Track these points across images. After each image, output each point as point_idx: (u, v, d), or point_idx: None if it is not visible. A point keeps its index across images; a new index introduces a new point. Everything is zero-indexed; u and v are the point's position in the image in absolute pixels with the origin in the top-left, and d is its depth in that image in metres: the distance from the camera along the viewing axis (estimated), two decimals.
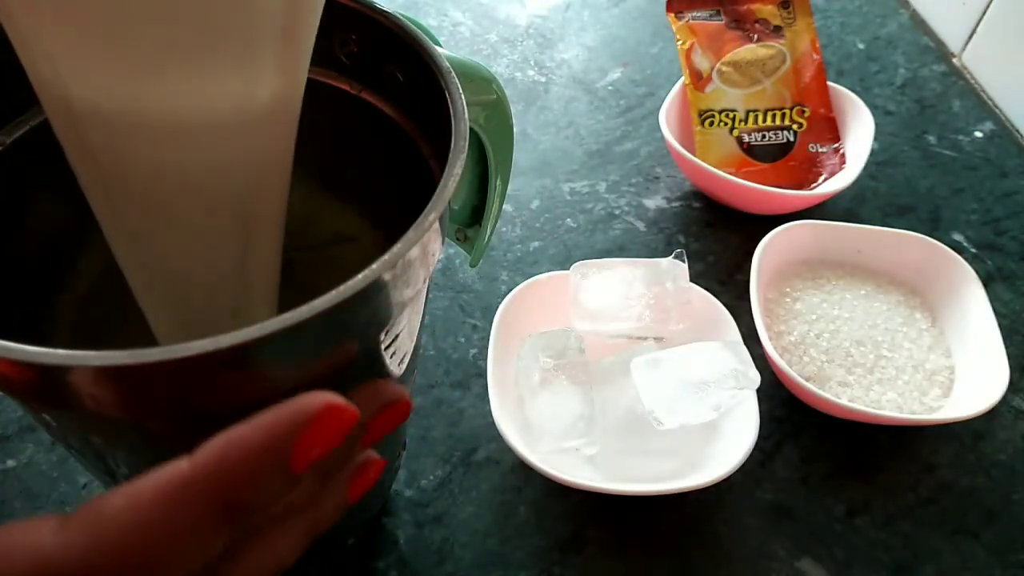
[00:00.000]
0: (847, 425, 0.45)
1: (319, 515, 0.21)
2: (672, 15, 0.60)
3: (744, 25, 0.60)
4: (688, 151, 0.55)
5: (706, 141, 0.58)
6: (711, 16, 0.60)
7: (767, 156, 0.58)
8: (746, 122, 0.58)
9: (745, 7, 0.60)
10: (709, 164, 0.54)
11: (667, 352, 0.42)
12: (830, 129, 0.59)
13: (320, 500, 0.21)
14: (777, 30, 0.59)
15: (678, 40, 0.59)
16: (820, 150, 0.58)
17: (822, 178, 0.57)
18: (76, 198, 0.29)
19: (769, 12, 0.60)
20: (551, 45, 0.70)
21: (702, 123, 0.58)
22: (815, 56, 0.59)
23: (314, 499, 0.21)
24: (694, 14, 0.60)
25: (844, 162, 0.57)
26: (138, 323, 0.32)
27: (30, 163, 0.32)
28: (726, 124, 0.58)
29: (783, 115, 0.58)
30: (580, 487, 0.39)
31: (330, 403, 0.19)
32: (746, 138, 0.58)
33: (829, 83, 0.59)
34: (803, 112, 0.58)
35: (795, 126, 0.58)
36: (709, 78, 0.58)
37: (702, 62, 0.59)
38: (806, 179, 0.58)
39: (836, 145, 0.58)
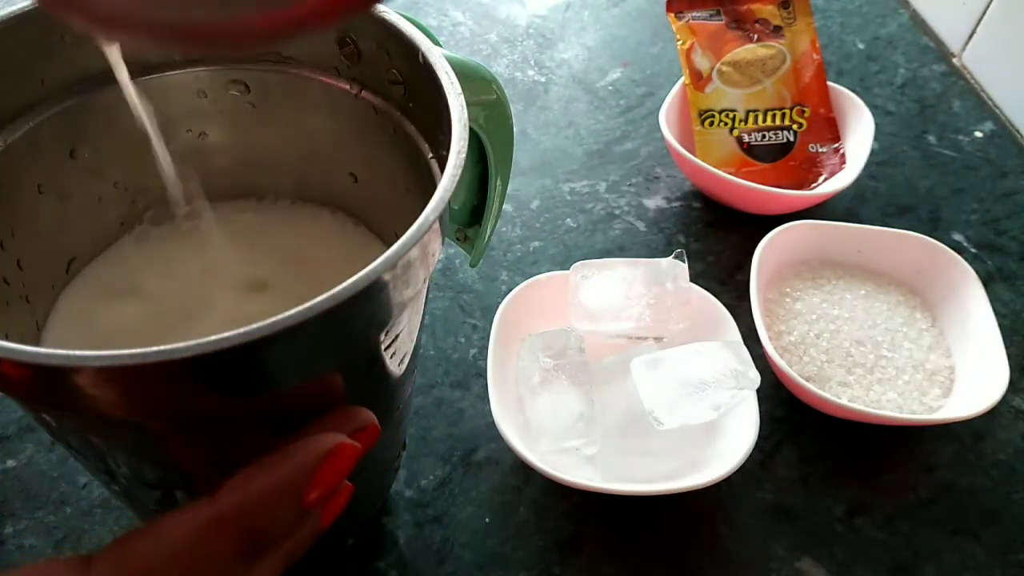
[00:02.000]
0: (847, 425, 0.45)
1: (297, 541, 0.22)
2: (672, 15, 0.60)
3: (744, 25, 0.60)
4: (688, 151, 0.55)
5: (706, 141, 0.58)
6: (711, 16, 0.60)
7: (767, 156, 0.58)
8: (746, 122, 0.58)
9: (745, 7, 0.60)
10: (709, 164, 0.54)
11: (667, 352, 0.42)
12: (830, 129, 0.59)
13: (298, 527, 0.22)
14: (777, 30, 0.59)
15: (678, 40, 0.59)
16: (820, 150, 0.58)
17: (822, 178, 0.57)
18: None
19: (769, 12, 0.60)
20: (551, 45, 0.70)
21: (702, 123, 0.58)
22: (815, 56, 0.59)
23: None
24: (694, 14, 0.60)
25: (844, 162, 0.57)
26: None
27: (27, 164, 0.32)
28: (726, 124, 0.58)
29: (783, 115, 0.58)
30: (580, 487, 0.39)
31: (339, 443, 0.21)
32: (746, 138, 0.58)
33: (829, 83, 0.59)
34: (803, 112, 0.58)
35: (795, 126, 0.58)
36: (709, 78, 0.58)
37: (702, 62, 0.59)
38: (806, 179, 0.58)
39: (836, 145, 0.58)
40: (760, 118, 0.58)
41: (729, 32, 0.59)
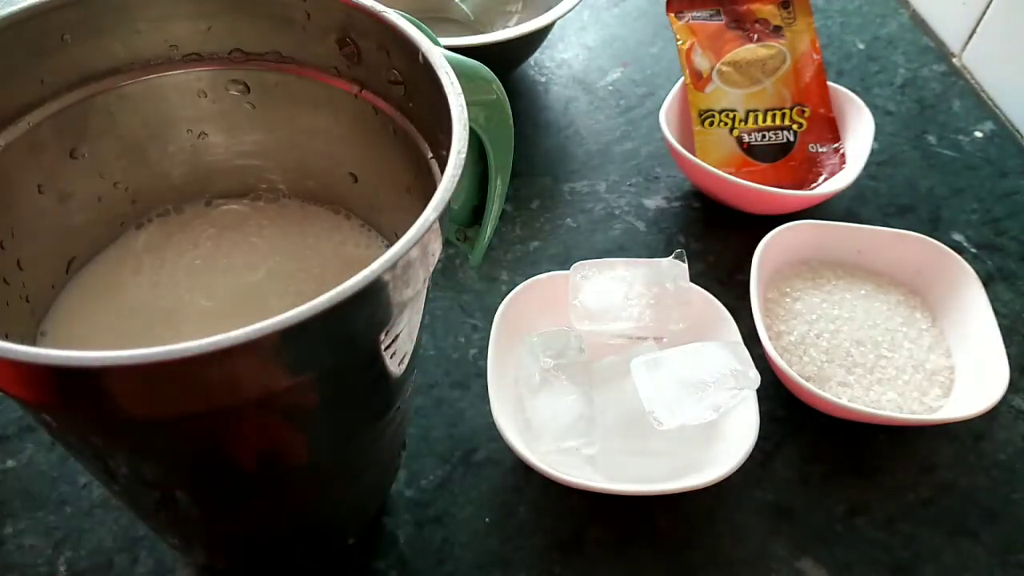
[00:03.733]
0: (847, 425, 0.45)
1: None
2: (672, 15, 0.60)
3: (744, 25, 0.60)
4: (688, 151, 0.55)
5: (706, 141, 0.58)
6: (711, 16, 0.60)
7: (767, 156, 0.58)
8: (746, 122, 0.58)
9: (745, 7, 0.60)
10: (709, 164, 0.54)
11: (667, 352, 0.42)
12: (830, 129, 0.59)
13: None
14: (777, 30, 0.59)
15: (678, 40, 0.59)
16: (820, 150, 0.58)
17: (822, 178, 0.57)
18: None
19: (769, 12, 0.60)
20: (551, 45, 0.70)
21: (702, 123, 0.58)
22: (815, 56, 0.59)
23: None
24: (694, 14, 0.60)
25: (844, 162, 0.57)
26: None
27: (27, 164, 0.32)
28: (726, 124, 0.58)
29: (783, 115, 0.58)
30: (580, 487, 0.39)
31: None
32: (746, 138, 0.58)
33: (829, 83, 0.59)
34: (803, 112, 0.58)
35: (795, 126, 0.58)
36: (709, 78, 0.58)
37: (702, 62, 0.59)
38: (806, 179, 0.58)
39: (836, 145, 0.58)
40: (760, 118, 0.58)
41: (729, 32, 0.59)
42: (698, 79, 0.58)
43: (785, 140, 0.58)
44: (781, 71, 0.59)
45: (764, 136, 0.58)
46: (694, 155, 0.56)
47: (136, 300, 0.36)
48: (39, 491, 0.42)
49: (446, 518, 0.42)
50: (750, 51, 0.59)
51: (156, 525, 0.36)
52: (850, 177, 0.55)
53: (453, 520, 0.42)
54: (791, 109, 0.59)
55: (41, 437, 0.44)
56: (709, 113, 0.58)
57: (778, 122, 0.58)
